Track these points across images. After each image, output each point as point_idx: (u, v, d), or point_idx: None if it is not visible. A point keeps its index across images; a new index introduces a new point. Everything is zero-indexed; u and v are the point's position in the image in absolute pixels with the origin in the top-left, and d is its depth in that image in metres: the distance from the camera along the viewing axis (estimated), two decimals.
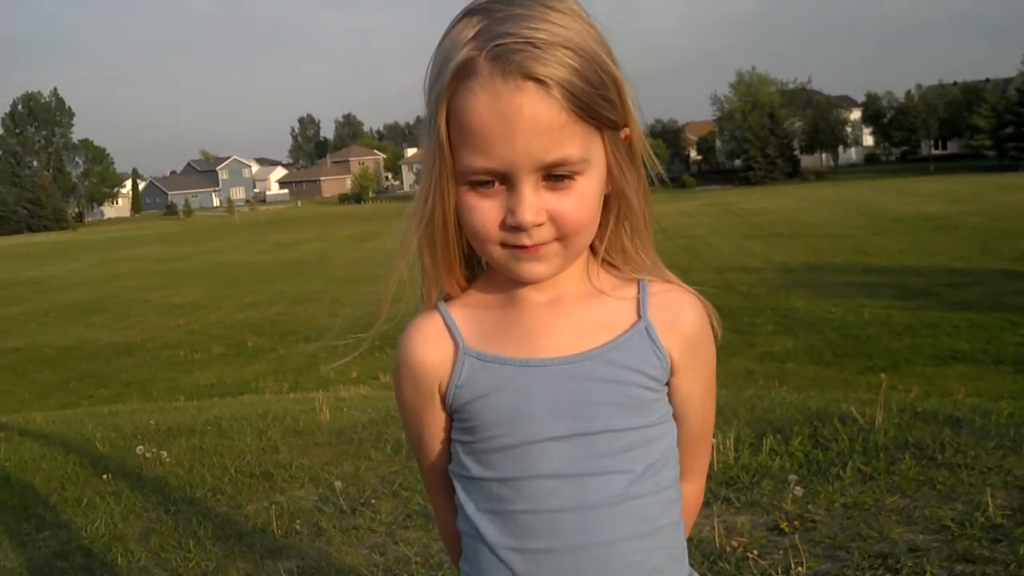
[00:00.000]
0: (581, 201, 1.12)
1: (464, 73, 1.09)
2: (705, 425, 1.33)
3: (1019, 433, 4.30)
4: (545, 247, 1.14)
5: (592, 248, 1.24)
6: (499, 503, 1.21)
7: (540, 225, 1.12)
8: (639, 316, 1.23)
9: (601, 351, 1.20)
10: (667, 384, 1.25)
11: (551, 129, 1.07)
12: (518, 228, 1.11)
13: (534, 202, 1.10)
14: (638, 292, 1.25)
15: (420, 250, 1.22)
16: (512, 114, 1.07)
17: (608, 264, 1.26)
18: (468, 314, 1.26)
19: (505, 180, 1.11)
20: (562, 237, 1.14)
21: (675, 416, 1.28)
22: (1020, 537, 3.20)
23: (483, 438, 1.22)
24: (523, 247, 1.14)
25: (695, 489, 1.39)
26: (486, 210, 1.13)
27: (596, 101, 1.09)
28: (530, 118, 1.07)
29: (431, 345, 1.24)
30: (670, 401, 1.26)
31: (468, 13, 1.12)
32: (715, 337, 1.28)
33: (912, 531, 3.39)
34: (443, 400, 1.25)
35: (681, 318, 1.24)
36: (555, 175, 1.10)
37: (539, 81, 1.06)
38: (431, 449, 1.32)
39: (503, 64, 1.07)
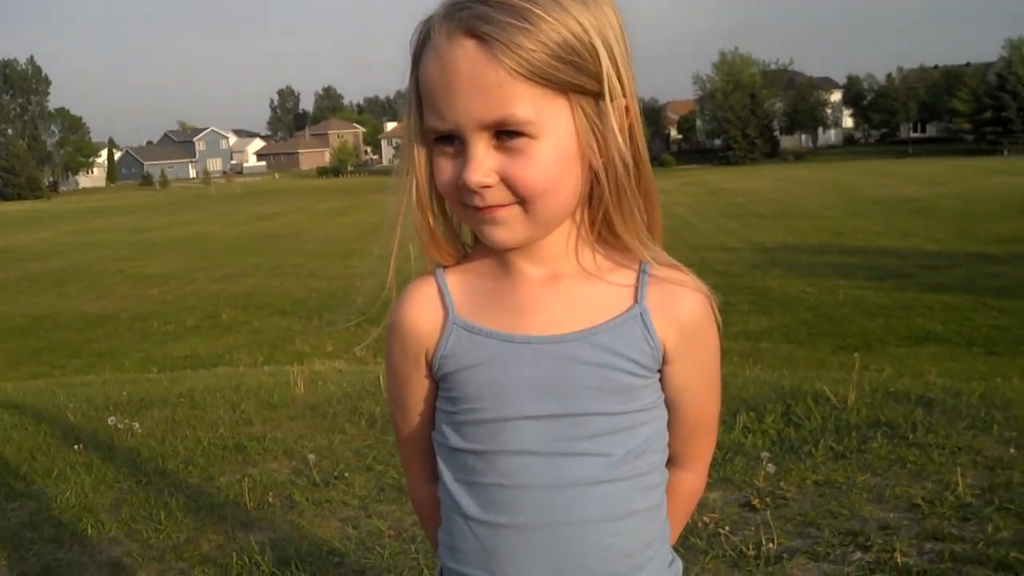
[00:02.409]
0: (533, 164, 1.08)
1: (426, 35, 1.11)
2: (703, 416, 1.30)
3: (989, 414, 4.34)
4: (503, 211, 1.11)
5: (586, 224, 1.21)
6: (473, 475, 1.21)
7: (490, 187, 1.09)
8: (635, 300, 1.19)
9: (588, 333, 1.17)
10: (660, 371, 1.22)
11: (488, 87, 1.05)
12: (467, 188, 1.10)
13: (482, 162, 1.08)
14: (638, 275, 1.21)
15: (407, 218, 1.21)
16: (451, 71, 1.07)
17: (608, 244, 1.22)
18: (463, 281, 1.24)
19: (461, 140, 1.10)
20: (520, 202, 1.11)
21: (669, 404, 1.25)
22: (989, 516, 3.24)
23: (463, 410, 1.21)
24: (477, 208, 1.12)
25: (695, 479, 1.36)
26: (446, 170, 1.13)
27: (551, 64, 1.05)
28: (467, 75, 1.06)
29: (422, 311, 1.23)
30: (663, 388, 1.23)
31: None
32: (718, 327, 1.24)
33: (883, 509, 3.42)
34: (429, 368, 1.24)
35: (679, 306, 1.20)
36: (507, 135, 1.08)
37: (479, 38, 1.05)
38: (411, 414, 1.30)
39: (448, 22, 1.07)
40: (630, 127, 1.14)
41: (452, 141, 1.11)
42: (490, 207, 1.11)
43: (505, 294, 1.21)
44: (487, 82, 1.05)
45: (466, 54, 1.05)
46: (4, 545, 3.81)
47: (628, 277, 1.21)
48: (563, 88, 1.08)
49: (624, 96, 1.12)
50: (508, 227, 1.13)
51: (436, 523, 1.31)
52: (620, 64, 1.11)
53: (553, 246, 1.19)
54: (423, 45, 1.11)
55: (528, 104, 1.06)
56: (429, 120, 1.12)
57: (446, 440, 1.23)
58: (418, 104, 1.14)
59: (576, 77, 1.08)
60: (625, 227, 1.18)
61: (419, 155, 1.17)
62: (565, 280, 1.20)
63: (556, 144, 1.09)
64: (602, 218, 1.19)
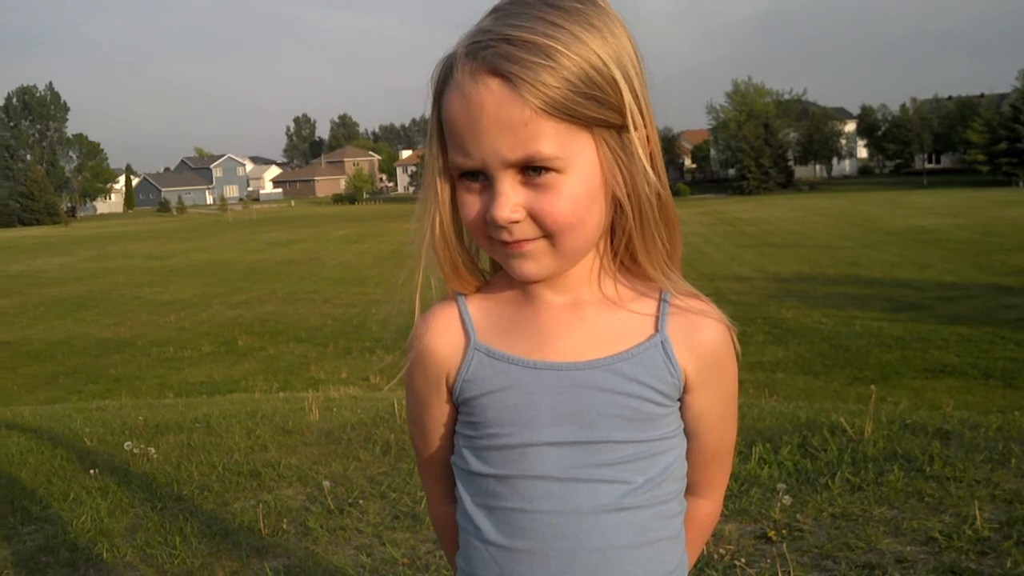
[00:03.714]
0: (559, 199, 1.09)
1: (448, 70, 1.11)
2: (721, 443, 1.30)
3: (1007, 447, 4.31)
4: (530, 244, 1.12)
5: (609, 254, 1.22)
6: (493, 499, 1.21)
7: (518, 222, 1.10)
8: (656, 329, 1.20)
9: (611, 361, 1.18)
10: (680, 400, 1.23)
11: (515, 126, 1.06)
12: (495, 224, 1.11)
13: (510, 198, 1.09)
14: (659, 304, 1.22)
15: (429, 250, 1.22)
16: (477, 111, 1.07)
17: (629, 273, 1.23)
18: (484, 308, 1.25)
19: (487, 176, 1.11)
20: (548, 235, 1.12)
21: (688, 432, 1.26)
22: (1007, 550, 3.21)
23: (484, 435, 1.21)
24: (504, 243, 1.13)
25: (711, 506, 1.37)
26: (471, 204, 1.14)
27: (575, 100, 1.06)
28: (493, 115, 1.06)
29: (443, 336, 1.24)
30: (683, 417, 1.24)
31: (490, 11, 1.12)
32: (737, 357, 1.24)
33: (900, 542, 3.39)
34: (450, 392, 1.25)
35: (700, 335, 1.20)
36: (533, 171, 1.08)
37: (504, 77, 1.05)
38: (431, 437, 1.31)
39: (471, 61, 1.08)
40: (651, 156, 1.15)
41: (477, 177, 1.12)
42: (518, 241, 1.12)
43: (527, 320, 1.22)
44: (513, 121, 1.06)
45: (491, 94, 1.06)
46: (20, 569, 3.83)
47: (649, 306, 1.22)
48: (587, 123, 1.09)
49: (645, 126, 1.13)
50: (536, 260, 1.14)
51: (456, 544, 1.31)
52: (639, 94, 1.12)
53: (576, 275, 1.20)
54: (445, 82, 1.12)
55: (554, 141, 1.07)
56: (454, 157, 1.12)
57: (466, 464, 1.24)
58: (440, 139, 1.15)
59: (599, 111, 1.08)
60: (647, 256, 1.19)
61: (442, 190, 1.18)
62: (587, 308, 1.21)
63: (582, 178, 1.10)
64: (624, 247, 1.20)
